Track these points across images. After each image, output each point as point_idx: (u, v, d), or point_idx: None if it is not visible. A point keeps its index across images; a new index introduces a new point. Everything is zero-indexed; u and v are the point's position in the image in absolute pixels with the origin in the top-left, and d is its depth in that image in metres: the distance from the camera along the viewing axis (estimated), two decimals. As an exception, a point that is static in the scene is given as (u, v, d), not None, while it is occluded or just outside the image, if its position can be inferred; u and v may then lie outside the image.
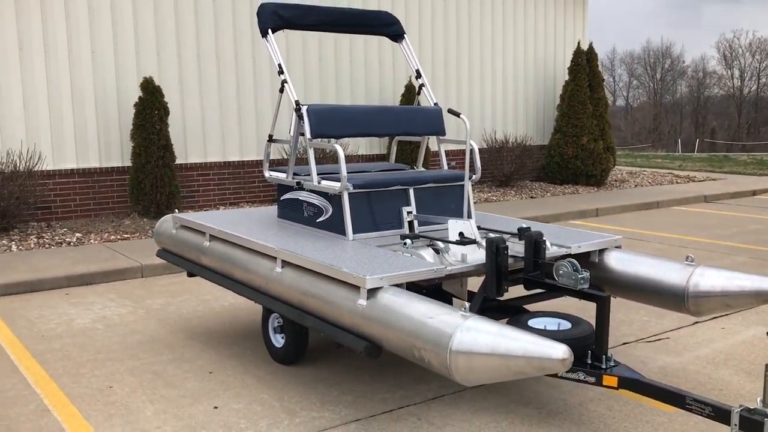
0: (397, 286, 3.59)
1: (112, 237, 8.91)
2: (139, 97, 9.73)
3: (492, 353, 2.88)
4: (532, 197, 12.87)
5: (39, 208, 9.49)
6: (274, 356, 4.80)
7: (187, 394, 4.34)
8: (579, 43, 14.47)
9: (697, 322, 5.67)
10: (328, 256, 3.95)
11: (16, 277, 7.01)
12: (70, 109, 9.78)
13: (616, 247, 4.58)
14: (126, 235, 8.99)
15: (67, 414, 4.07)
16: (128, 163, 10.14)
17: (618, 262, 4.42)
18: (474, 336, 2.96)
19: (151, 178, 9.72)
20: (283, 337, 4.72)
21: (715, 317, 5.78)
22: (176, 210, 5.74)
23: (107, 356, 5.04)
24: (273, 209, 5.66)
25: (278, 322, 4.76)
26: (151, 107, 9.68)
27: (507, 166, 13.55)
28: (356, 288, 3.59)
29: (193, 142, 10.77)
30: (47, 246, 8.49)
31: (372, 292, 3.51)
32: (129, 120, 10.03)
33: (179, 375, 4.66)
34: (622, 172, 17.13)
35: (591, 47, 14.33)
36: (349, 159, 11.69)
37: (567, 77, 14.27)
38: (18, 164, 9.03)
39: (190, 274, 5.37)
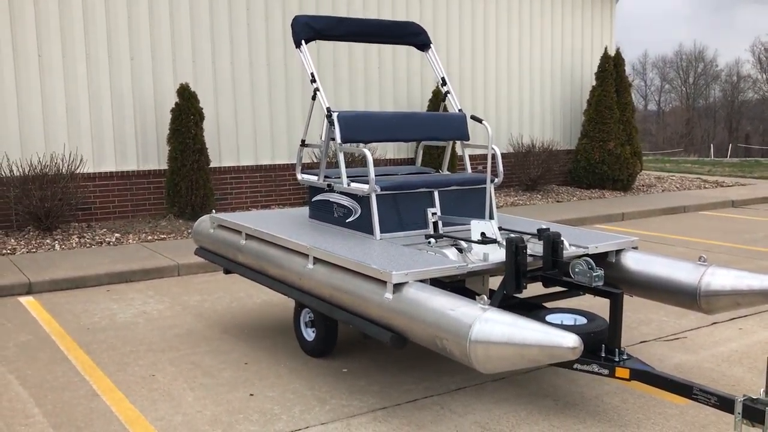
0: (421, 281, 3.83)
1: (150, 237, 9.28)
2: (176, 103, 10.10)
3: (508, 343, 3.11)
4: (558, 201, 13.01)
5: (80, 209, 9.90)
6: (305, 349, 5.07)
7: (224, 382, 4.63)
8: (606, 48, 14.59)
9: (715, 323, 5.82)
10: (357, 254, 4.21)
11: (60, 274, 7.38)
12: (110, 113, 10.19)
13: (633, 248, 4.77)
14: (162, 236, 9.35)
15: (115, 399, 4.38)
16: (164, 166, 10.53)
17: (634, 262, 4.61)
18: (491, 327, 3.20)
19: (187, 180, 10.09)
20: (313, 331, 4.99)
21: (733, 318, 5.93)
22: (213, 211, 6.04)
23: (149, 348, 5.36)
24: (305, 210, 5.94)
25: (309, 317, 5.03)
26: (187, 112, 10.05)
27: (533, 170, 13.71)
28: (383, 283, 3.85)
29: (227, 146, 11.13)
30: (88, 245, 8.88)
31: (397, 287, 3.77)
32: (165, 124, 10.42)
33: (216, 365, 4.95)
34: (649, 177, 17.16)
35: (618, 53, 14.44)
36: (377, 163, 11.97)
37: (594, 82, 14.39)
38: (61, 167, 9.45)
39: (227, 271, 5.67)
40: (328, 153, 5.32)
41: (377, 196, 4.71)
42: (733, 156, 43.79)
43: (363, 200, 4.81)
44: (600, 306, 5.84)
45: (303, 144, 5.53)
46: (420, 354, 5.06)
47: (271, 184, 11.63)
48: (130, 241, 9.12)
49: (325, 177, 5.19)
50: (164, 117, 10.46)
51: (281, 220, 5.46)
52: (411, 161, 12.88)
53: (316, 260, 4.42)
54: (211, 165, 10.64)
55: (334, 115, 4.91)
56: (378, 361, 4.94)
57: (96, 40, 9.99)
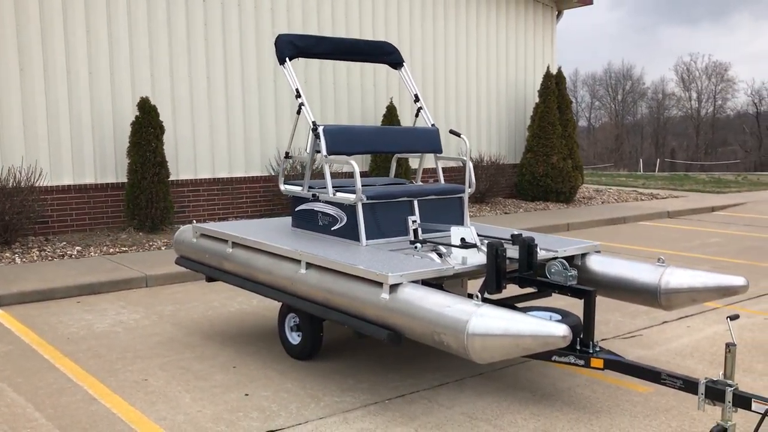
0: (414, 282, 4.14)
1: (111, 250, 9.30)
2: (136, 116, 10.17)
3: (504, 334, 3.44)
4: (506, 213, 13.55)
5: (37, 222, 9.84)
6: (291, 353, 5.30)
7: (217, 384, 4.82)
8: (548, 67, 15.29)
9: (665, 322, 6.32)
10: (348, 259, 4.49)
11: (29, 286, 7.38)
12: (68, 127, 10.17)
13: (596, 251, 5.20)
14: (124, 248, 9.39)
15: (113, 402, 4.52)
16: (123, 179, 10.55)
17: (598, 264, 5.04)
18: (487, 321, 3.53)
19: (147, 193, 10.15)
20: (299, 335, 5.23)
21: (681, 317, 6.44)
22: (194, 221, 6.20)
23: (135, 355, 5.49)
24: (285, 220, 6.17)
25: (294, 322, 5.26)
26: (147, 126, 10.13)
27: (482, 184, 14.23)
28: (379, 284, 4.14)
29: (184, 159, 11.23)
30: (50, 258, 8.85)
31: (393, 288, 4.06)
32: (123, 138, 10.46)
33: (206, 369, 5.13)
34: (588, 190, 17.96)
35: (560, 71, 15.16)
36: (347, 175, 12.24)
37: (537, 99, 15.05)
38: (19, 180, 9.39)
39: (210, 279, 5.85)
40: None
41: (363, 204, 5.00)
42: (661, 170, 45.79)
43: (349, 209, 5.09)
44: (567, 306, 6.26)
45: (287, 156, 5.78)
46: (401, 354, 5.36)
47: (228, 197, 11.76)
48: (92, 253, 9.13)
49: (309, 187, 5.46)
50: (122, 130, 10.50)
51: (264, 229, 5.68)
52: (369, 174, 13.19)
53: (309, 265, 4.68)
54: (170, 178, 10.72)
55: (320, 129, 5.19)
56: (362, 362, 5.22)
57: (53, 54, 9.98)
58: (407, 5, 13.71)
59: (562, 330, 3.30)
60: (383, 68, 13.32)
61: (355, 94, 13.02)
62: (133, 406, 4.45)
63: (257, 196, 12.06)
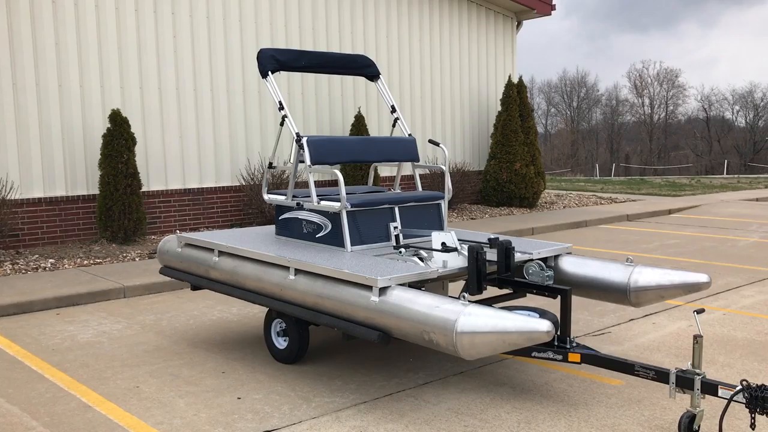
0: (402, 285, 4.36)
1: (85, 262, 9.32)
2: (108, 128, 10.20)
3: (491, 331, 3.68)
4: (472, 218, 13.86)
5: (7, 236, 9.79)
6: (278, 357, 5.46)
7: (209, 389, 4.96)
8: (510, 76, 15.70)
9: (632, 319, 6.65)
10: (336, 264, 4.68)
11: (5, 299, 7.39)
12: (38, 139, 10.16)
13: (568, 253, 5.48)
14: (98, 260, 9.41)
15: (108, 408, 4.63)
16: (94, 191, 10.56)
17: (570, 265, 5.32)
18: (474, 319, 3.76)
19: (120, 205, 10.18)
20: (285, 340, 5.40)
21: (646, 314, 6.78)
22: (178, 232, 6.32)
23: (122, 363, 5.59)
24: (268, 228, 6.33)
25: (281, 327, 5.43)
26: (118, 138, 10.17)
27: (439, 190, 14.51)
28: (368, 288, 4.34)
29: (155, 170, 11.27)
30: (24, 271, 8.84)
31: (383, 290, 4.27)
32: (94, 149, 10.48)
33: (195, 375, 5.26)
34: (550, 195, 18.42)
35: (521, 80, 15.58)
36: (324, 184, 12.39)
37: (500, 108, 15.44)
38: (-10, 193, 9.36)
39: (195, 288, 5.98)
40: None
41: (347, 212, 5.20)
42: (616, 175, 46.89)
43: (333, 216, 5.29)
44: (542, 306, 6.55)
45: (270, 166, 5.94)
46: (384, 356, 5.56)
47: (199, 207, 11.83)
48: (66, 266, 9.14)
49: (293, 196, 5.63)
50: (93, 142, 10.52)
51: (249, 237, 5.84)
52: (334, 183, 13.36)
53: (298, 271, 4.86)
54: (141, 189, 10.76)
55: (304, 140, 5.37)
56: (348, 364, 5.40)
57: (22, 67, 9.97)
58: (372, 17, 13.97)
59: (545, 325, 3.55)
60: (350, 78, 13.55)
61: (323, 104, 13.22)
62: (129, 412, 4.57)
63: (228, 206, 12.15)
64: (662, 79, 67.33)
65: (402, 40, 14.54)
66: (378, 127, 14.10)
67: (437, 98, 15.32)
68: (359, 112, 13.24)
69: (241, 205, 12.22)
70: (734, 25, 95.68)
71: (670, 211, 15.48)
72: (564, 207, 16.01)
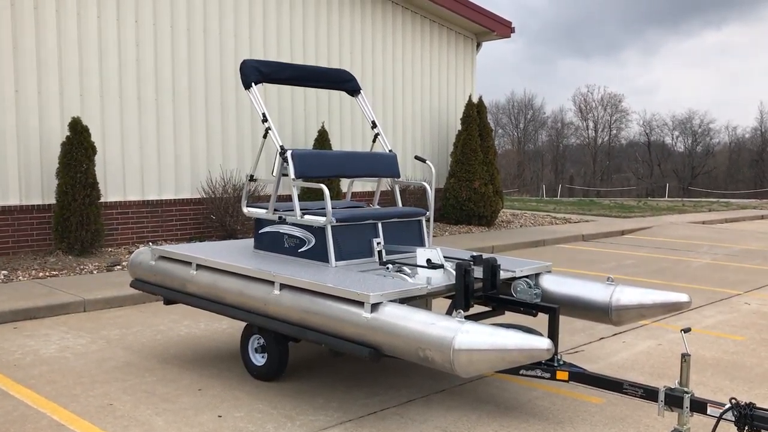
0: (392, 301, 4.32)
1: (41, 274, 8.99)
2: (67, 137, 9.90)
3: (490, 349, 3.67)
4: (433, 236, 13.89)
5: (-43, 245, 9.38)
6: (255, 374, 5.33)
7: (187, 407, 4.81)
8: (470, 96, 15.90)
9: (602, 338, 6.74)
10: (323, 279, 4.62)
11: (-41, 312, 7.06)
12: (-8, 146, 9.79)
13: (548, 271, 5.53)
14: (54, 272, 9.09)
15: (82, 427, 4.44)
16: (50, 200, 10.22)
17: (551, 283, 5.36)
18: (472, 337, 3.75)
19: (77, 216, 9.87)
20: (263, 356, 5.28)
21: (616, 333, 6.88)
22: (151, 245, 6.14)
23: (92, 379, 5.38)
24: (244, 242, 6.21)
25: (259, 343, 5.32)
26: (78, 146, 9.88)
27: (410, 206, 14.55)
28: (359, 303, 4.29)
29: (113, 181, 10.98)
30: (-25, 283, 8.46)
31: (375, 307, 4.23)
32: (51, 158, 10.16)
33: (171, 392, 5.10)
34: (506, 214, 18.65)
35: (481, 100, 15.78)
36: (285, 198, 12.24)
37: (460, 127, 15.59)
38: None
39: (168, 302, 5.81)
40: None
41: (332, 227, 5.15)
42: (562, 196, 47.84)
43: (317, 231, 5.22)
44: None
45: (251, 179, 5.84)
46: (363, 373, 5.50)
47: (157, 220, 11.56)
48: (21, 277, 8.79)
49: (275, 210, 5.54)
50: (50, 150, 10.20)
51: (227, 251, 5.72)
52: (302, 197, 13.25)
53: (283, 286, 4.77)
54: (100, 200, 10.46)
55: (288, 153, 5.30)
56: (327, 381, 5.32)
57: (-21, 70, 9.62)
58: (336, 32, 13.98)
59: (546, 343, 3.56)
60: (313, 92, 13.50)
61: (285, 118, 13.13)
62: (105, 430, 4.39)
63: (187, 219, 11.91)
64: (606, 103, 69.16)
65: (365, 56, 14.58)
66: (340, 142, 14.06)
67: (399, 116, 15.39)
68: (323, 126, 13.19)
69: (200, 217, 12.00)
70: (673, 54, 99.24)
71: (623, 232, 15.84)
72: (521, 226, 16.22)
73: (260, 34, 12.68)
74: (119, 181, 11.05)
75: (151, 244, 6.20)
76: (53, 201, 10.10)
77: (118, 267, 9.54)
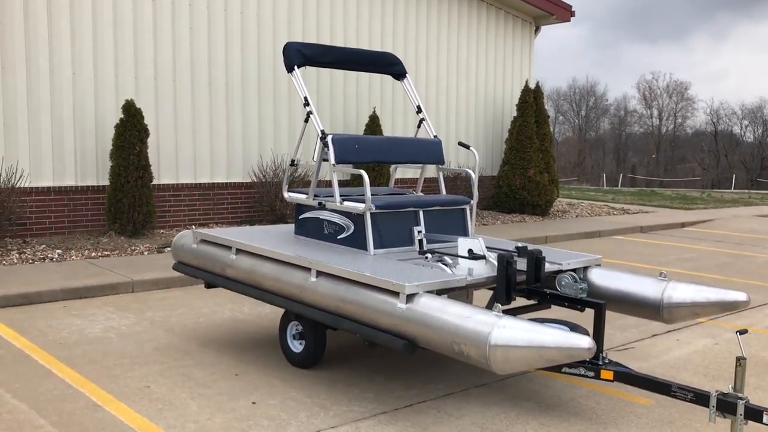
0: (429, 292, 4.18)
1: (93, 254, 9.15)
2: (120, 119, 10.04)
3: (527, 346, 3.49)
4: (484, 224, 13.67)
5: (15, 224, 9.63)
6: (293, 361, 5.28)
7: (222, 392, 4.78)
8: (527, 81, 15.52)
9: (655, 335, 6.46)
10: (359, 268, 4.50)
11: (13, 290, 7.22)
12: (49, 128, 10.00)
13: (597, 264, 5.29)
14: (106, 252, 9.24)
15: (118, 409, 4.45)
16: (104, 182, 10.40)
17: (600, 277, 5.12)
18: (510, 332, 3.58)
19: (130, 197, 10.01)
20: (301, 343, 5.22)
21: (669, 330, 6.58)
22: (194, 228, 6.14)
23: (132, 361, 5.41)
24: (287, 227, 6.15)
25: (297, 330, 5.25)
26: (131, 129, 10.01)
27: (460, 195, 14.33)
28: (395, 294, 4.16)
29: (166, 163, 11.11)
30: (30, 261, 8.67)
31: (410, 297, 4.09)
32: (106, 140, 10.32)
33: (208, 377, 5.08)
34: (562, 203, 18.22)
35: (538, 86, 15.39)
36: (340, 183, 12.20)
37: (515, 113, 15.25)
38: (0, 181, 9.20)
39: (209, 285, 5.80)
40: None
41: (371, 214, 5.02)
42: (623, 185, 46.63)
43: (356, 218, 5.11)
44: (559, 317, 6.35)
45: (292, 163, 5.77)
46: (401, 364, 5.38)
47: (209, 203, 11.66)
48: (74, 257, 8.97)
49: (315, 195, 5.45)
50: (104, 133, 10.36)
51: (267, 236, 5.66)
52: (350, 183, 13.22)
53: (319, 273, 4.67)
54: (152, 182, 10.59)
55: (329, 138, 5.20)
56: (363, 371, 5.22)
57: (36, 54, 9.81)
58: (390, 17, 13.80)
59: (587, 342, 3.37)
60: (366, 77, 13.38)
61: (337, 103, 13.05)
62: (140, 413, 4.39)
63: (238, 203, 11.98)
64: (672, 91, 67.06)
65: (419, 40, 14.37)
66: (392, 128, 13.92)
67: (452, 100, 15.14)
68: (374, 112, 13.06)
69: (251, 202, 12.05)
70: (745, 39, 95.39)
71: (683, 224, 15.28)
72: (576, 216, 15.81)
73: (313, 17, 12.60)
74: (172, 163, 11.17)
75: (194, 227, 6.19)
76: (107, 182, 10.27)
77: (168, 249, 9.65)
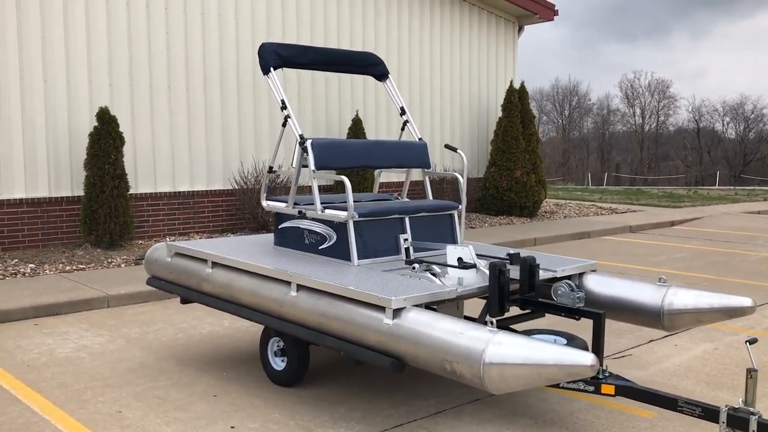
0: (417, 305, 3.90)
1: (68, 268, 8.80)
2: (95, 127, 9.70)
3: (525, 363, 3.23)
4: (471, 227, 13.43)
5: (-14, 238, 9.27)
6: (275, 379, 4.99)
7: (199, 416, 4.48)
8: (512, 81, 15.30)
9: (651, 340, 6.22)
10: (342, 280, 4.22)
11: (-20, 308, 6.88)
12: (20, 136, 9.64)
13: (592, 270, 5.04)
14: (81, 266, 8.90)
15: (86, 438, 4.14)
16: (78, 192, 10.05)
17: (596, 284, 4.88)
18: (505, 349, 3.31)
19: (106, 207, 9.67)
20: (283, 360, 4.93)
21: (667, 336, 6.35)
22: (168, 240, 5.83)
23: (104, 383, 5.10)
24: (266, 237, 5.86)
25: (278, 346, 4.96)
26: (106, 137, 9.67)
27: (446, 197, 14.09)
28: (380, 308, 3.88)
29: (144, 172, 10.77)
30: (1, 277, 8.31)
31: (397, 312, 3.82)
32: (80, 149, 9.98)
33: (184, 399, 4.78)
34: (549, 204, 18.03)
35: (523, 86, 15.18)
36: (321, 190, 11.92)
37: (500, 114, 15.03)
38: (-32, 193, 8.83)
39: (185, 301, 5.50)
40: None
41: (354, 222, 4.75)
42: (608, 184, 46.66)
43: (339, 226, 4.83)
44: (551, 326, 6.10)
45: (270, 170, 5.48)
46: (390, 380, 5.10)
47: (189, 212, 11.33)
48: (47, 271, 8.62)
49: (295, 204, 5.17)
50: (78, 141, 10.02)
51: (245, 247, 5.37)
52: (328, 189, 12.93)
53: (300, 287, 4.39)
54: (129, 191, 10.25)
55: (308, 143, 4.92)
56: (350, 388, 4.94)
57: (6, 62, 9.46)
58: (372, 17, 13.54)
59: (590, 359, 3.11)
60: (348, 79, 13.11)
61: (319, 105, 12.76)
62: (110, 442, 4.09)
63: (219, 211, 11.66)
64: (653, 89, 67.26)
65: (402, 41, 14.12)
66: (375, 131, 13.65)
67: (436, 102, 14.89)
68: (357, 114, 12.79)
69: (233, 209, 11.73)
70: (724, 37, 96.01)
71: (672, 223, 15.12)
72: (564, 217, 15.61)
73: (293, 19, 12.31)
74: (150, 172, 10.84)
75: (169, 239, 5.89)
76: (82, 193, 9.93)
77: (146, 260, 9.31)
